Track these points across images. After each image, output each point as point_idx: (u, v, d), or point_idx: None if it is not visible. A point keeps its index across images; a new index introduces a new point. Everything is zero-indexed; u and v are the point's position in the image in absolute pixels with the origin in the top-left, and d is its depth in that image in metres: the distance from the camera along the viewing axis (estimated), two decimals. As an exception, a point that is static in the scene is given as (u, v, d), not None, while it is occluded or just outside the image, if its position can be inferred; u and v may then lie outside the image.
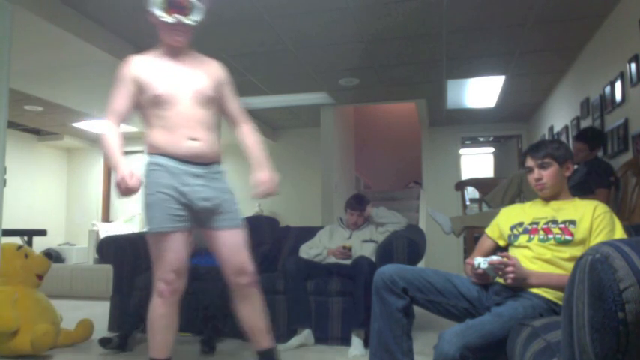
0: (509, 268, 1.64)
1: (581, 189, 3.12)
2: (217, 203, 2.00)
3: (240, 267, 2.02)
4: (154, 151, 1.99)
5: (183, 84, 1.98)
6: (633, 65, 3.15)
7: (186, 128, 1.95)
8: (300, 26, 3.76)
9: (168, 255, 1.93)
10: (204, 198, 1.97)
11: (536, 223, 1.83)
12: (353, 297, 2.88)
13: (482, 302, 1.75)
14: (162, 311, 1.97)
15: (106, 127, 2.01)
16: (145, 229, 1.94)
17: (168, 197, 1.93)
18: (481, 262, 1.68)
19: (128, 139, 8.44)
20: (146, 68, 1.99)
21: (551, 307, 1.63)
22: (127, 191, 1.85)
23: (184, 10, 1.91)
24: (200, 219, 2.01)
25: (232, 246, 2.02)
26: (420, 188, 7.61)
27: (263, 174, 2.06)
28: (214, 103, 2.06)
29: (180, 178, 1.94)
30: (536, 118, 6.55)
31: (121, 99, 2.00)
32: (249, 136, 2.15)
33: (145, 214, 1.99)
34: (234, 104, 2.16)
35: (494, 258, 1.67)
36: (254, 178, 2.06)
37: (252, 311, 2.08)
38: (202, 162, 1.99)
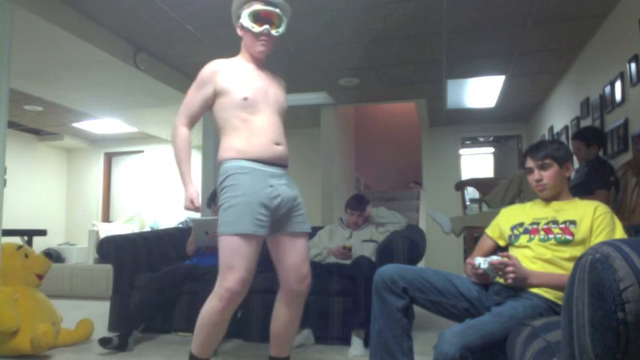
0: (510, 269, 1.64)
1: (581, 189, 3.12)
2: (298, 203, 2.06)
3: (305, 274, 2.05)
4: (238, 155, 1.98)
5: (268, 92, 2.06)
6: (633, 65, 3.15)
7: (271, 132, 2.01)
8: (300, 26, 3.76)
9: (241, 261, 1.85)
10: (289, 197, 2.01)
11: (537, 224, 1.83)
12: (353, 297, 2.88)
13: (482, 302, 1.75)
14: (221, 317, 1.89)
15: (179, 130, 2.06)
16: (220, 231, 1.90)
17: (253, 200, 1.90)
18: (481, 262, 1.68)
19: (128, 139, 8.37)
20: (230, 72, 2.04)
21: (551, 307, 1.64)
22: (194, 210, 2.01)
23: (272, 23, 2.02)
24: (280, 221, 2.01)
25: (301, 251, 2.06)
26: (420, 188, 7.61)
27: None
28: (285, 116, 2.15)
29: (265, 180, 1.96)
30: (536, 118, 6.55)
31: (197, 102, 2.05)
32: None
33: (225, 217, 1.90)
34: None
35: (495, 258, 1.67)
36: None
37: (290, 320, 2.09)
38: (283, 164, 2.05)
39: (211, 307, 1.88)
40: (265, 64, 2.16)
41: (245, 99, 1.96)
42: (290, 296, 2.06)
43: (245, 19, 2.01)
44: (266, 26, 2.00)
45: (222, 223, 1.88)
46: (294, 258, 2.03)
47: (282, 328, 2.09)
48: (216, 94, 2.01)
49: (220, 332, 1.96)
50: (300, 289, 2.05)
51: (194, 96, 2.05)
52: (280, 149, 2.01)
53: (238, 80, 2.01)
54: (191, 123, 2.07)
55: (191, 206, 2.00)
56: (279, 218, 2.00)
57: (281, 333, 2.10)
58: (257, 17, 2.00)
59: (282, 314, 2.08)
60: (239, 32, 2.09)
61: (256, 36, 2.02)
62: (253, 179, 1.91)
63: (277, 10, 2.01)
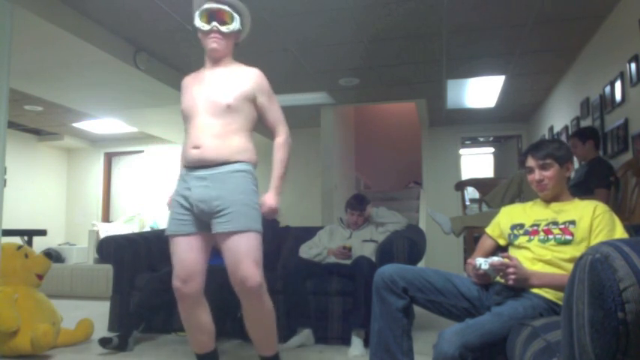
0: (511, 270, 1.64)
1: (581, 188, 3.12)
2: (219, 203, 1.96)
3: (241, 277, 1.94)
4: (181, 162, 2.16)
5: (207, 95, 2.07)
6: (633, 65, 3.15)
7: (194, 137, 2.04)
8: (300, 26, 3.76)
9: (175, 261, 2.05)
10: (202, 197, 1.99)
11: (537, 225, 1.83)
12: (353, 297, 2.88)
13: (482, 302, 1.75)
14: (182, 314, 2.08)
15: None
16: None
17: (175, 203, 2.08)
18: (482, 263, 1.68)
19: (128, 139, 8.37)
20: (186, 87, 2.17)
21: (551, 307, 1.63)
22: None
23: (221, 20, 2.05)
24: (206, 221, 2.02)
25: (232, 253, 1.96)
26: (420, 188, 7.61)
27: (268, 197, 2.09)
28: (235, 111, 2.05)
29: (187, 182, 2.05)
30: (536, 118, 6.55)
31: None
32: (276, 150, 2.15)
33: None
34: (270, 113, 2.16)
35: (495, 259, 1.67)
36: (262, 197, 2.09)
37: (249, 320, 2.07)
38: (205, 165, 2.01)
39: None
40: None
41: (182, 110, 2.12)
42: (239, 297, 2.00)
43: (196, 20, 2.06)
44: (214, 23, 2.03)
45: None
46: (228, 261, 1.97)
47: (248, 328, 2.10)
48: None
49: (195, 328, 2.08)
50: (242, 291, 1.96)
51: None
52: (196, 152, 2.00)
53: (186, 91, 2.15)
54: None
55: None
56: (203, 218, 2.02)
57: (251, 334, 2.10)
58: (206, 17, 2.05)
59: (244, 315, 2.08)
60: (199, 37, 2.11)
61: (207, 34, 2.07)
62: (179, 184, 2.09)
63: (225, 7, 2.05)
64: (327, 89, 5.52)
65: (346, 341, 2.82)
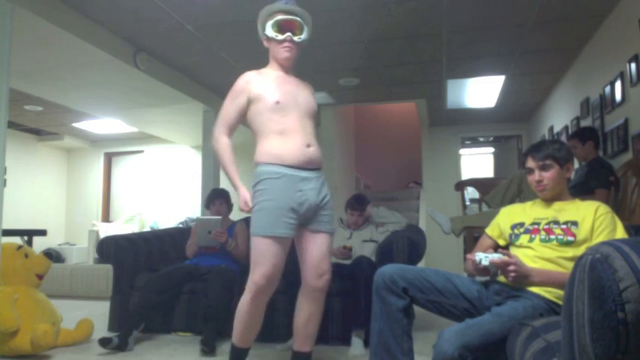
0: (511, 267, 1.64)
1: (581, 189, 3.12)
2: (324, 204, 2.15)
3: (323, 270, 2.14)
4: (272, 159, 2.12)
5: (297, 96, 2.20)
6: (633, 65, 3.15)
7: (303, 135, 2.13)
8: (300, 26, 3.76)
9: (267, 259, 2.04)
10: (314, 202, 2.12)
11: (538, 224, 1.83)
12: (353, 297, 2.88)
13: (482, 302, 1.75)
14: (250, 307, 2.08)
15: (220, 138, 2.21)
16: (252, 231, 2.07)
17: (283, 205, 2.05)
18: (482, 258, 1.68)
19: (128, 139, 8.38)
20: (261, 80, 2.19)
21: (551, 308, 1.63)
22: (248, 211, 2.11)
23: (293, 30, 2.17)
24: (306, 218, 2.13)
25: (321, 247, 2.15)
26: (420, 188, 7.61)
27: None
28: (315, 119, 2.26)
29: (295, 185, 2.09)
30: (536, 118, 6.55)
31: (233, 111, 2.21)
32: None
33: (256, 219, 2.07)
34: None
35: (496, 256, 1.67)
36: None
37: (310, 315, 2.18)
38: (314, 167, 2.15)
39: (243, 299, 2.09)
40: (293, 71, 2.32)
41: (277, 102, 2.11)
42: (308, 291, 2.16)
43: (269, 30, 2.17)
44: (288, 34, 2.16)
45: (254, 225, 2.06)
46: (313, 254, 2.14)
47: (302, 323, 2.20)
48: (250, 102, 2.17)
49: (252, 322, 2.12)
50: (318, 284, 2.14)
51: (230, 107, 2.21)
52: (311, 151, 2.12)
53: (269, 86, 2.16)
54: (229, 131, 2.23)
55: (245, 208, 2.11)
56: (305, 218, 2.13)
57: (301, 328, 2.20)
58: (279, 27, 2.16)
59: (302, 309, 2.19)
60: (265, 44, 2.25)
61: (280, 43, 2.18)
62: (284, 184, 2.06)
63: (298, 19, 2.17)
64: (327, 89, 5.52)
65: (346, 341, 2.82)
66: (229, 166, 2.17)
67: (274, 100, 2.11)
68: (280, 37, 2.16)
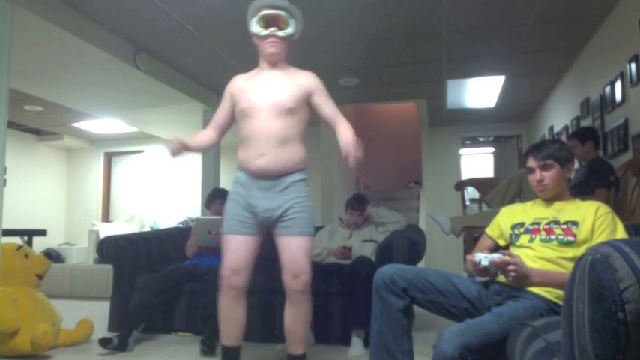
0: (511, 267, 1.64)
1: (580, 189, 3.12)
2: (284, 211, 2.11)
3: (297, 271, 2.11)
4: (239, 166, 2.21)
5: (270, 96, 2.13)
6: (633, 65, 3.15)
7: (258, 143, 2.11)
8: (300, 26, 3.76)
9: (230, 254, 2.16)
10: (267, 209, 2.11)
11: (538, 224, 1.83)
12: (353, 297, 2.88)
13: (482, 302, 1.75)
14: (222, 304, 2.17)
15: (204, 130, 2.34)
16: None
17: (239, 206, 2.17)
18: (482, 258, 1.68)
19: (128, 139, 8.37)
20: (241, 85, 2.23)
21: (551, 308, 1.63)
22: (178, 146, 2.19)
23: (278, 25, 2.15)
24: (269, 224, 2.15)
25: (293, 249, 2.12)
26: (420, 188, 7.61)
27: (348, 144, 2.05)
28: (295, 113, 2.14)
29: (250, 191, 2.15)
30: (536, 118, 6.55)
31: (220, 112, 2.31)
32: (343, 132, 2.16)
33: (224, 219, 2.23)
34: (328, 108, 2.24)
35: (496, 256, 1.67)
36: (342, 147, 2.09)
37: (294, 317, 2.16)
38: (268, 176, 2.11)
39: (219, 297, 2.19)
40: (290, 64, 2.27)
41: (242, 109, 2.16)
42: (289, 294, 2.15)
43: (254, 26, 2.15)
44: (272, 28, 2.13)
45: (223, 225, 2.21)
46: (286, 256, 2.12)
47: (288, 326, 2.18)
48: (233, 106, 2.24)
49: (228, 318, 2.16)
50: (294, 286, 2.11)
51: (219, 107, 2.31)
52: (263, 162, 2.08)
53: (244, 91, 2.18)
54: (217, 128, 2.31)
55: (175, 141, 2.15)
56: (267, 223, 2.15)
57: (287, 331, 2.19)
58: (264, 22, 2.14)
59: (287, 313, 2.18)
60: (254, 42, 2.22)
61: (265, 39, 2.15)
62: (241, 189, 2.17)
63: (282, 13, 2.13)
64: (327, 89, 5.51)
65: (346, 341, 2.82)
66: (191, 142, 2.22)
67: (240, 107, 2.16)
68: (264, 32, 2.13)
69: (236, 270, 2.12)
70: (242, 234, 2.14)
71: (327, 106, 2.23)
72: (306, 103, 2.20)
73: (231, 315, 2.16)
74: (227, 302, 2.15)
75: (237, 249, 2.14)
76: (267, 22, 2.13)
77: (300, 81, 2.19)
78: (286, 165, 2.12)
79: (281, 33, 2.14)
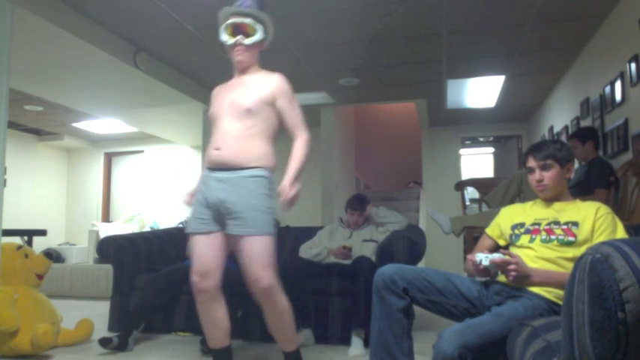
0: (512, 267, 1.64)
1: (580, 189, 3.12)
2: (229, 207, 2.03)
3: (252, 279, 2.02)
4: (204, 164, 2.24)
5: (232, 99, 2.16)
6: (633, 65, 3.15)
7: (216, 139, 2.14)
8: (300, 26, 3.76)
9: (195, 257, 2.12)
10: (217, 198, 2.07)
11: (538, 224, 1.83)
12: (353, 297, 2.88)
13: (482, 302, 1.75)
14: (199, 308, 2.15)
15: None
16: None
17: (196, 202, 2.16)
18: (482, 258, 1.68)
19: (128, 139, 8.35)
20: (215, 93, 2.31)
21: (551, 308, 1.63)
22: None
23: (245, 33, 2.16)
24: (222, 220, 2.10)
25: (244, 255, 2.04)
26: (420, 188, 7.61)
27: (282, 187, 2.04)
28: (255, 114, 2.12)
29: (207, 183, 2.13)
30: (536, 118, 6.55)
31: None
32: (294, 149, 2.17)
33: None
34: (290, 117, 2.19)
35: (496, 256, 1.67)
36: (278, 188, 2.07)
37: (268, 317, 2.14)
38: (224, 167, 2.09)
39: None
40: (263, 66, 2.28)
41: (210, 115, 2.25)
42: (256, 297, 2.08)
43: (222, 35, 2.18)
44: (239, 36, 2.14)
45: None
46: (241, 259, 2.04)
47: (268, 325, 2.17)
48: None
49: (207, 321, 2.15)
50: (254, 290, 2.04)
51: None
52: (216, 154, 2.10)
53: (215, 99, 2.27)
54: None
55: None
56: (220, 218, 2.10)
57: (271, 331, 2.19)
58: (230, 30, 2.16)
59: (264, 313, 2.15)
60: (227, 50, 2.24)
61: (232, 48, 2.18)
62: (202, 186, 2.16)
63: (247, 20, 2.14)
64: (327, 89, 5.52)
65: (346, 341, 2.82)
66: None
67: (209, 113, 2.25)
68: (231, 41, 2.15)
69: (203, 274, 2.08)
70: (203, 232, 2.10)
71: (288, 113, 2.18)
72: (271, 105, 2.16)
73: (210, 318, 2.14)
74: (202, 307, 2.13)
75: (202, 251, 2.10)
76: (234, 29, 2.15)
77: (266, 84, 2.17)
78: (243, 157, 2.07)
79: (247, 41, 2.15)
